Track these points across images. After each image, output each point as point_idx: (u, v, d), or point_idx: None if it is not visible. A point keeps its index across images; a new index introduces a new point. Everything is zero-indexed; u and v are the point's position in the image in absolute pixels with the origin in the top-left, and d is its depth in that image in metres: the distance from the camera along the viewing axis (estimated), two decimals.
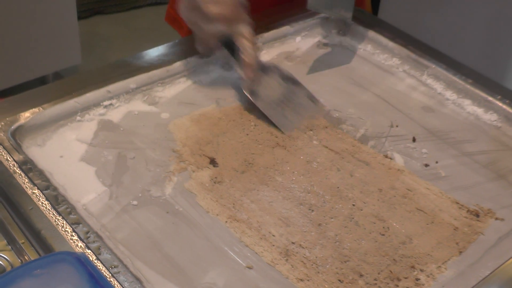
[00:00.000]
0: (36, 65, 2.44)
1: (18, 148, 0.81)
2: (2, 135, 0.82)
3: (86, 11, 3.05)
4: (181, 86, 0.98)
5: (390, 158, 0.88)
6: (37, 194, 0.75)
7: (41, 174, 0.78)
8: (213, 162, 0.85)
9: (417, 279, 0.73)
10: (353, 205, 0.81)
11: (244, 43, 0.95)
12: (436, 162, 0.89)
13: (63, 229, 0.71)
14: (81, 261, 0.58)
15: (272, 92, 0.97)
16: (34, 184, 0.76)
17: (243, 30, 0.95)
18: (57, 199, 0.75)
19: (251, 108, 0.94)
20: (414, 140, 0.92)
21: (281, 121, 0.93)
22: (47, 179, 0.77)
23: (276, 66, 1.00)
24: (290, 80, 0.99)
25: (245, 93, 0.94)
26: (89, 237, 0.71)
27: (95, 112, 0.90)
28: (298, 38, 1.12)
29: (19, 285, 0.55)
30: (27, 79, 2.43)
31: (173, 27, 1.31)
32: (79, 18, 2.51)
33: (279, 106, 0.95)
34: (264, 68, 0.98)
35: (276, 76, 0.98)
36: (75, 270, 0.57)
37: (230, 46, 0.97)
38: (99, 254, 0.69)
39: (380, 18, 1.23)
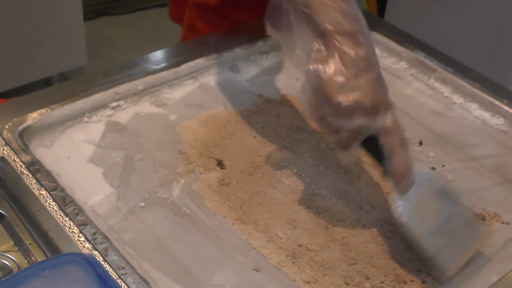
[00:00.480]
0: (42, 66, 2.44)
1: (25, 148, 0.81)
2: (9, 135, 0.82)
3: (92, 12, 3.05)
4: (189, 88, 0.98)
5: None
6: (45, 195, 0.75)
7: (48, 175, 0.78)
8: (220, 164, 0.85)
9: (424, 282, 0.72)
10: (360, 208, 0.81)
11: (393, 143, 0.72)
12: (443, 166, 0.89)
13: (70, 230, 0.71)
14: (90, 263, 0.58)
15: (425, 213, 0.73)
16: (42, 185, 0.76)
17: (387, 123, 0.71)
18: (65, 200, 0.75)
19: (258, 110, 0.95)
20: (421, 143, 0.92)
21: (441, 258, 0.72)
22: (54, 180, 0.78)
23: (432, 176, 0.78)
24: (447, 197, 0.76)
25: (396, 216, 0.73)
26: (96, 238, 0.71)
27: (102, 113, 0.91)
28: None
29: (28, 286, 0.55)
30: (33, 80, 2.43)
31: (179, 24, 1.31)
32: (85, 19, 2.51)
33: (435, 234, 0.72)
34: (417, 177, 0.74)
35: (429, 190, 0.75)
36: (84, 272, 0.57)
37: (371, 145, 0.73)
38: (107, 255, 0.69)
39: (386, 21, 1.23)
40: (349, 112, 0.70)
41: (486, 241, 0.76)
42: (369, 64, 0.71)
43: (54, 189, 0.76)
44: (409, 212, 0.72)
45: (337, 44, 0.70)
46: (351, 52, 0.70)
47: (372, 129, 0.71)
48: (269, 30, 0.81)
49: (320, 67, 0.70)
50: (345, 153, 0.74)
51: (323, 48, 0.71)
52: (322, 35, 0.71)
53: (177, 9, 1.29)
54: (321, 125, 0.73)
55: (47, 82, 2.51)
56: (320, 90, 0.70)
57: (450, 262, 0.72)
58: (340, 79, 0.69)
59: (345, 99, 0.69)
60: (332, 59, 0.70)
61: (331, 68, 0.70)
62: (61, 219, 0.72)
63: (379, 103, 0.71)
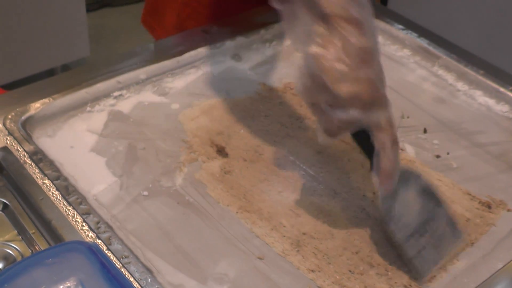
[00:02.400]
0: (45, 57, 2.44)
1: (28, 138, 0.81)
2: (12, 125, 0.82)
3: (94, 3, 3.05)
4: (191, 76, 0.97)
5: (401, 149, 0.88)
6: (48, 184, 0.75)
7: (51, 164, 0.78)
8: (223, 152, 0.84)
9: None
10: (364, 195, 0.80)
11: (384, 141, 0.70)
12: (448, 153, 0.88)
13: (73, 219, 0.71)
14: (93, 251, 0.58)
15: (408, 212, 0.72)
16: (45, 175, 0.76)
17: (382, 120, 0.69)
18: (68, 190, 0.74)
19: (261, 99, 0.94)
20: (425, 131, 0.92)
21: (420, 260, 0.71)
22: (57, 170, 0.77)
23: (416, 174, 0.75)
24: (429, 196, 0.74)
25: (381, 212, 0.73)
26: (99, 227, 0.71)
27: (105, 102, 0.90)
28: None
29: (31, 274, 0.55)
30: (36, 72, 2.43)
31: (150, 31, 1.29)
32: (88, 10, 2.51)
33: (415, 236, 0.72)
34: (402, 176, 0.73)
35: (413, 189, 0.74)
36: (87, 259, 0.57)
37: (362, 138, 0.72)
38: (110, 244, 0.69)
39: (389, 8, 1.22)
40: (345, 103, 0.67)
41: (466, 244, 0.75)
42: (372, 56, 0.69)
43: (57, 178, 0.76)
44: (393, 210, 0.72)
45: (341, 31, 0.67)
46: (355, 41, 0.67)
47: (365, 124, 0.69)
48: (273, 1, 0.75)
49: (321, 52, 0.67)
50: (328, 138, 0.71)
51: (325, 32, 0.68)
52: (325, 18, 0.68)
53: (153, 13, 1.26)
54: (314, 110, 0.71)
55: (50, 73, 2.51)
56: (318, 76, 0.67)
57: (428, 265, 0.71)
58: (341, 67, 0.66)
59: (344, 89, 0.66)
60: (335, 46, 0.67)
61: (332, 55, 0.67)
62: (64, 208, 0.72)
63: (377, 98, 0.69)
